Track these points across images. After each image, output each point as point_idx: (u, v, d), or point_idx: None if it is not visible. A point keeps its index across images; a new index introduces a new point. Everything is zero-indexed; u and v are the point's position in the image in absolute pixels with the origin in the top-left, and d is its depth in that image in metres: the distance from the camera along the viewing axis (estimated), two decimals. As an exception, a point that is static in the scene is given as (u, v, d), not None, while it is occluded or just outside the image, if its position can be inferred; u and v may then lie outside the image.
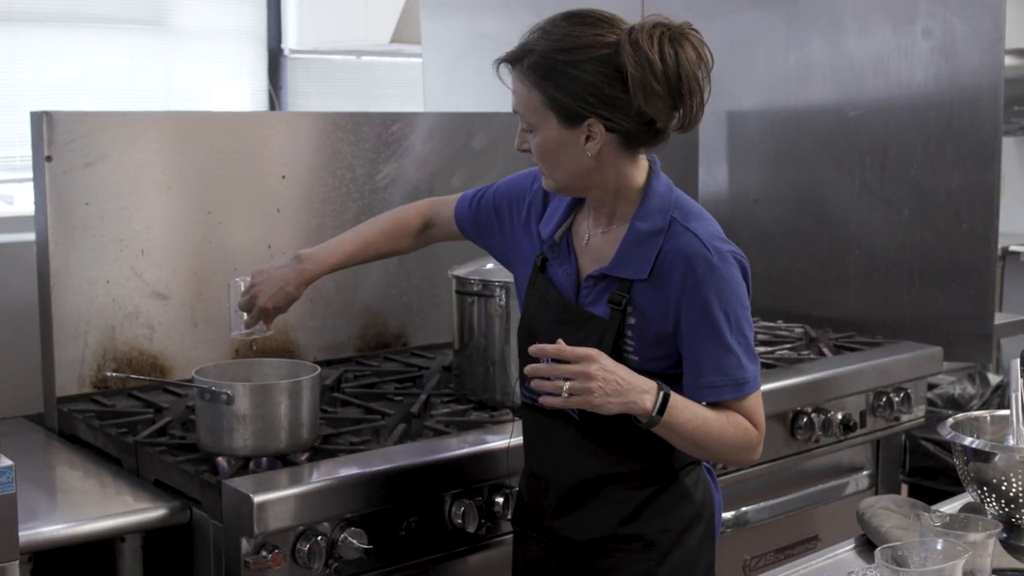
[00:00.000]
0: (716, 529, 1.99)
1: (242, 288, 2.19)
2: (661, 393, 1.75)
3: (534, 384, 1.75)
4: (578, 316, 1.87)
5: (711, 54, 1.78)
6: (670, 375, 1.84)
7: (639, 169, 1.87)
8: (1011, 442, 1.94)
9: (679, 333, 1.81)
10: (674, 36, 1.74)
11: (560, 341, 1.74)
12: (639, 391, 1.73)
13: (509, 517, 2.12)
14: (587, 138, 1.79)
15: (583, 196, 1.92)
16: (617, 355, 1.80)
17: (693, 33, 1.77)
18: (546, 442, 1.95)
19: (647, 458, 1.88)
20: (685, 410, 1.77)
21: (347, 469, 2.08)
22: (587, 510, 1.91)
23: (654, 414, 1.74)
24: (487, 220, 2.11)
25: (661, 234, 1.82)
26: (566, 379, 1.71)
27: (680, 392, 1.80)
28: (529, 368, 1.75)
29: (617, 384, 1.72)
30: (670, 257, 1.81)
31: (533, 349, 1.74)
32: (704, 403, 1.81)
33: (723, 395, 1.81)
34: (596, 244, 1.90)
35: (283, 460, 2.16)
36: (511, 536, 2.08)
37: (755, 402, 1.84)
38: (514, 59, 1.84)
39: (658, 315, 1.82)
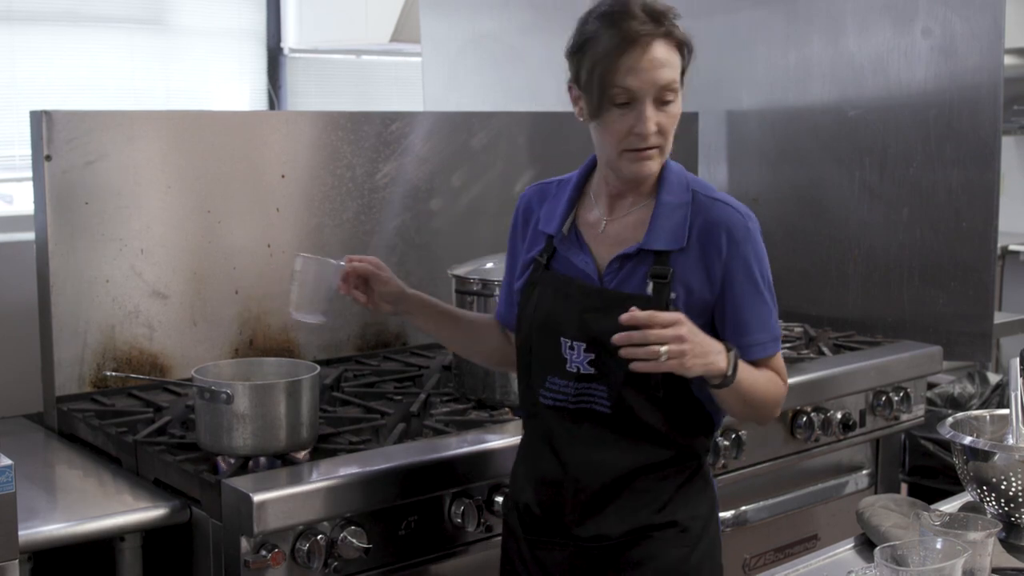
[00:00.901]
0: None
1: (307, 266, 2.04)
2: (732, 352, 1.80)
3: (625, 352, 1.72)
4: (612, 299, 1.85)
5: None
6: None
7: None
8: (1010, 441, 1.94)
9: (725, 299, 1.86)
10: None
11: (633, 309, 1.73)
12: (716, 352, 1.78)
13: (525, 533, 1.99)
14: None
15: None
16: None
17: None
18: (569, 443, 1.91)
19: (676, 446, 1.90)
20: (744, 369, 1.83)
21: (347, 468, 2.08)
22: (620, 505, 1.89)
23: (728, 373, 1.78)
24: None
25: (687, 206, 1.88)
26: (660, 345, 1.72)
27: None
28: (622, 336, 1.71)
29: (701, 345, 1.75)
30: (708, 227, 1.86)
31: (625, 317, 1.71)
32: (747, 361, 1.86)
33: (767, 351, 1.88)
34: (615, 229, 1.91)
35: (283, 459, 2.16)
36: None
37: (780, 357, 1.93)
38: (669, 31, 1.81)
39: (701, 285, 1.85)
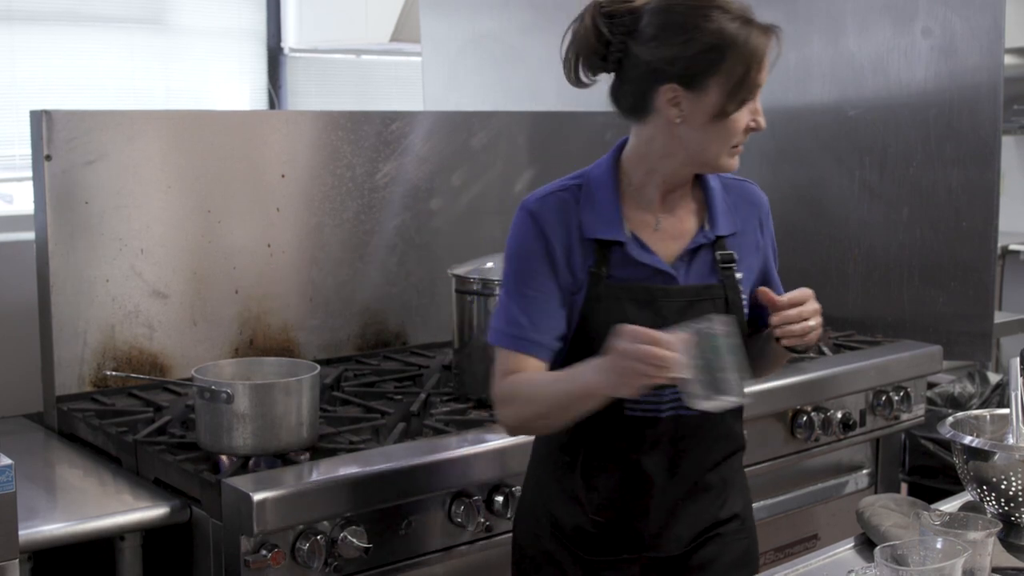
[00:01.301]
0: None
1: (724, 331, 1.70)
2: None
3: (783, 332, 1.80)
4: (693, 295, 1.86)
5: None
6: None
7: None
8: (1011, 441, 1.94)
9: (766, 267, 1.97)
10: None
11: (766, 293, 1.83)
12: None
13: (583, 554, 1.90)
14: None
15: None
16: (737, 311, 1.88)
17: None
18: (656, 451, 1.86)
19: (735, 436, 1.95)
20: None
21: (347, 468, 2.08)
22: (695, 506, 1.89)
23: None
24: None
25: (722, 189, 1.94)
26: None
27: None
28: (780, 317, 1.80)
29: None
30: (748, 206, 1.96)
31: (784, 300, 1.81)
32: None
33: None
34: (670, 224, 1.89)
35: (283, 459, 2.16)
36: (511, 535, 2.07)
37: None
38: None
39: (754, 261, 1.94)
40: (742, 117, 1.81)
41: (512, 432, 1.98)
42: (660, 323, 1.74)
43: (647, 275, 1.84)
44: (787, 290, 1.87)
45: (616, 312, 1.81)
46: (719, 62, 1.75)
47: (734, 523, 1.94)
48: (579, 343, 1.84)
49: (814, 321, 1.82)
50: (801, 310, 1.81)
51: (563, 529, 1.91)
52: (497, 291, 2.47)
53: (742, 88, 1.77)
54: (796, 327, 1.80)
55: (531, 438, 2.02)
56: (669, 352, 1.62)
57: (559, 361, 1.84)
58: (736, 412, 1.92)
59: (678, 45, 1.76)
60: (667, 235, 1.88)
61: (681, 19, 1.76)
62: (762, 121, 1.84)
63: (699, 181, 1.92)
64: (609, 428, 1.86)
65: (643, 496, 1.87)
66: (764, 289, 1.85)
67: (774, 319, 1.81)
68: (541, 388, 1.80)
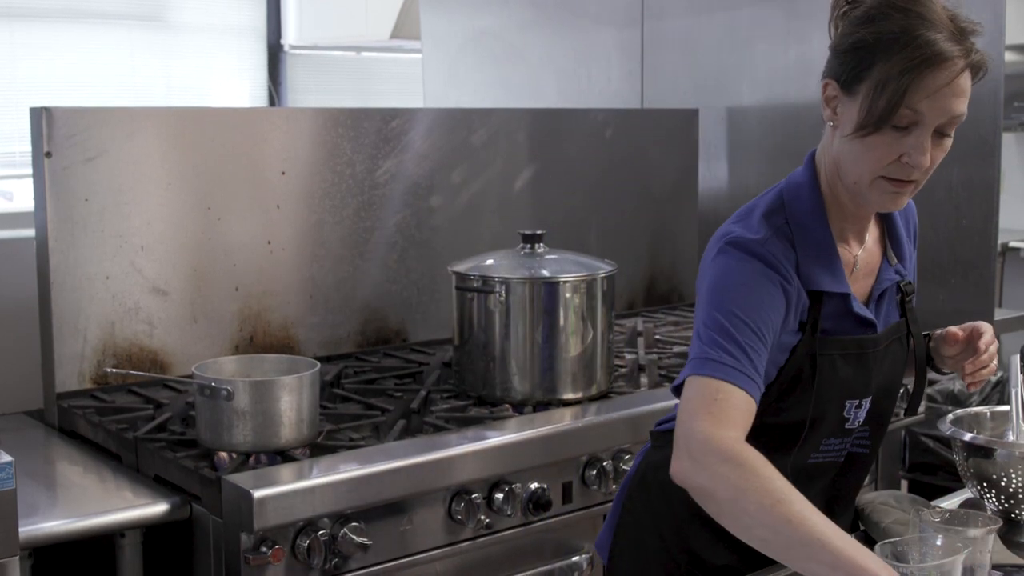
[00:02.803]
0: None
1: None
2: None
3: (975, 376, 1.77)
4: (888, 340, 1.71)
5: None
6: None
7: None
8: (1011, 438, 1.93)
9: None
10: None
11: (956, 337, 1.77)
12: None
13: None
14: None
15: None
16: (918, 345, 1.79)
17: None
18: (830, 492, 1.79)
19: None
20: None
21: (347, 465, 2.08)
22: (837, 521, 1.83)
23: None
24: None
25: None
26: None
27: None
28: (972, 363, 1.75)
29: None
30: (907, 222, 1.80)
31: (981, 345, 1.74)
32: None
33: None
34: (864, 259, 1.70)
35: (283, 456, 2.16)
36: (510, 532, 2.08)
37: None
38: (972, 55, 1.52)
39: (913, 277, 1.81)
40: (894, 145, 1.53)
41: (686, 485, 1.48)
42: (866, 378, 1.66)
43: (853, 326, 1.65)
44: None
45: (828, 370, 1.63)
46: (869, 64, 1.52)
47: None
48: (769, 406, 1.61)
49: (994, 360, 1.75)
50: (992, 352, 1.73)
51: (705, 565, 1.75)
52: (497, 287, 2.49)
53: (889, 107, 1.50)
54: (986, 371, 1.73)
55: (531, 439, 2.02)
56: None
57: None
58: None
59: (849, 35, 1.55)
60: (864, 271, 1.70)
61: (875, 6, 1.54)
62: (919, 160, 1.52)
63: None
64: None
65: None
66: (953, 331, 1.73)
67: (969, 366, 1.73)
68: (792, 507, 1.38)
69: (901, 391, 1.82)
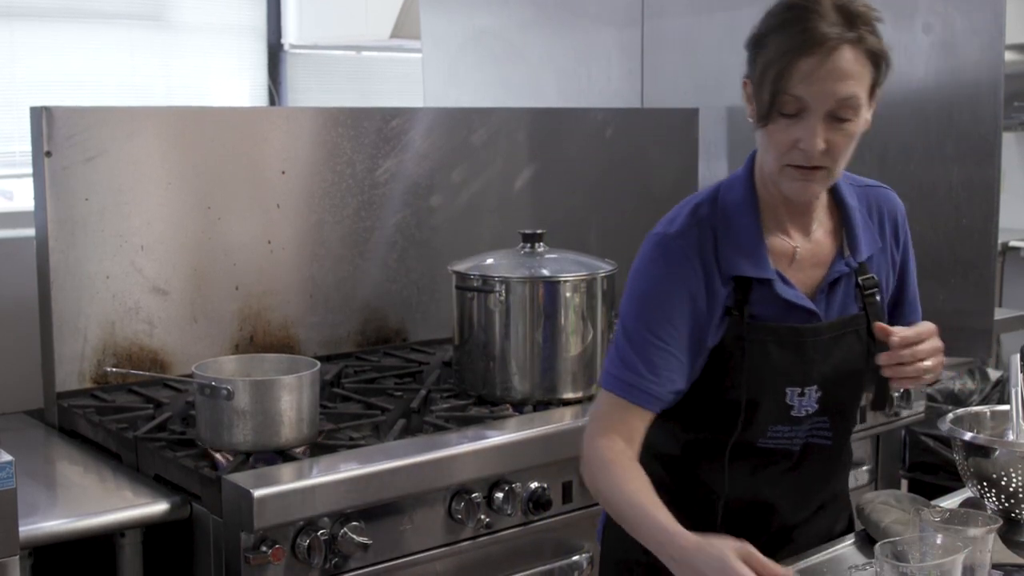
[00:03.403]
0: None
1: None
2: None
3: (892, 373, 1.66)
4: (836, 331, 1.72)
5: None
6: None
7: None
8: (1011, 437, 1.94)
9: (904, 282, 1.81)
10: None
11: (882, 325, 1.69)
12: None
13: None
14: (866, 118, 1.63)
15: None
16: (872, 338, 1.74)
17: None
18: (784, 478, 1.79)
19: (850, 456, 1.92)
20: None
21: (347, 464, 2.08)
22: (810, 530, 1.86)
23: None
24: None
25: (861, 201, 1.77)
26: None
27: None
28: (890, 356, 1.64)
29: (943, 349, 1.73)
30: (883, 217, 1.77)
31: (896, 340, 1.64)
32: None
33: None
34: (809, 250, 1.72)
35: (283, 455, 2.16)
36: (510, 532, 2.07)
37: None
38: (861, 37, 1.58)
39: (889, 277, 1.79)
40: (787, 132, 1.59)
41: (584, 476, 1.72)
42: (805, 366, 1.68)
43: (790, 313, 1.68)
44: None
45: (758, 355, 1.67)
46: (756, 57, 1.61)
47: (837, 501, 1.90)
48: (707, 387, 1.70)
49: (931, 361, 1.65)
50: (916, 350, 1.64)
51: None
52: (497, 287, 2.49)
53: (772, 95, 1.56)
54: (909, 369, 1.64)
55: (532, 438, 2.02)
56: None
57: (674, 404, 1.70)
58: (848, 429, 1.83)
59: (752, 32, 1.65)
60: (805, 263, 1.71)
61: (773, 3, 1.62)
62: (809, 145, 1.56)
63: (834, 196, 1.74)
64: (737, 458, 1.75)
65: (763, 516, 1.80)
66: (880, 325, 1.67)
67: (882, 358, 1.65)
68: (621, 507, 1.61)
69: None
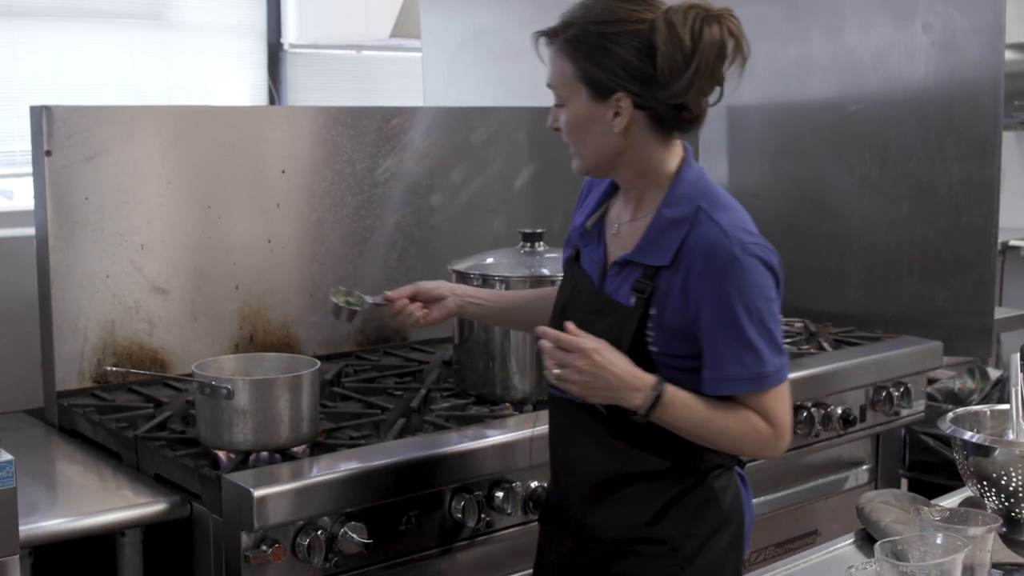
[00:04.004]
0: (746, 539, 1.91)
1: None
2: (654, 393, 1.74)
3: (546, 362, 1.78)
4: (605, 304, 1.84)
5: (747, 44, 1.82)
6: (688, 368, 1.79)
7: (671, 155, 1.85)
8: (1011, 437, 1.94)
9: (699, 326, 1.76)
10: (708, 18, 1.77)
11: (571, 326, 1.76)
12: (630, 388, 1.74)
13: (536, 516, 2.07)
14: (615, 114, 1.79)
15: (611, 178, 1.93)
16: (639, 345, 1.78)
17: (730, 19, 1.80)
18: (572, 435, 1.91)
19: (674, 457, 1.83)
20: (684, 408, 1.75)
21: (347, 463, 2.08)
22: (612, 508, 1.86)
23: (642, 412, 1.75)
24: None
25: (686, 223, 1.78)
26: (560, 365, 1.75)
27: (698, 384, 1.77)
28: (543, 346, 1.76)
29: (606, 380, 1.73)
30: (692, 247, 1.76)
31: (539, 330, 1.78)
32: (722, 396, 1.77)
33: (741, 388, 1.77)
34: (625, 232, 1.88)
35: (283, 454, 2.16)
36: (510, 531, 2.08)
37: (774, 398, 1.80)
38: (553, 32, 1.89)
39: (680, 307, 1.77)
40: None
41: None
42: (581, 315, 1.84)
43: (588, 269, 1.91)
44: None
45: (563, 288, 1.98)
46: None
47: (658, 548, 1.84)
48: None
49: (557, 371, 1.74)
50: (553, 352, 1.74)
51: (548, 494, 2.04)
52: (497, 286, 2.48)
53: None
54: (548, 362, 1.76)
55: (537, 437, 2.04)
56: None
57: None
58: (659, 427, 1.80)
59: None
60: (622, 240, 1.88)
61: None
62: (548, 121, 1.90)
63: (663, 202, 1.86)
64: (546, 403, 2.00)
65: (563, 479, 1.94)
66: (569, 324, 1.77)
67: (541, 343, 1.77)
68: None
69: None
